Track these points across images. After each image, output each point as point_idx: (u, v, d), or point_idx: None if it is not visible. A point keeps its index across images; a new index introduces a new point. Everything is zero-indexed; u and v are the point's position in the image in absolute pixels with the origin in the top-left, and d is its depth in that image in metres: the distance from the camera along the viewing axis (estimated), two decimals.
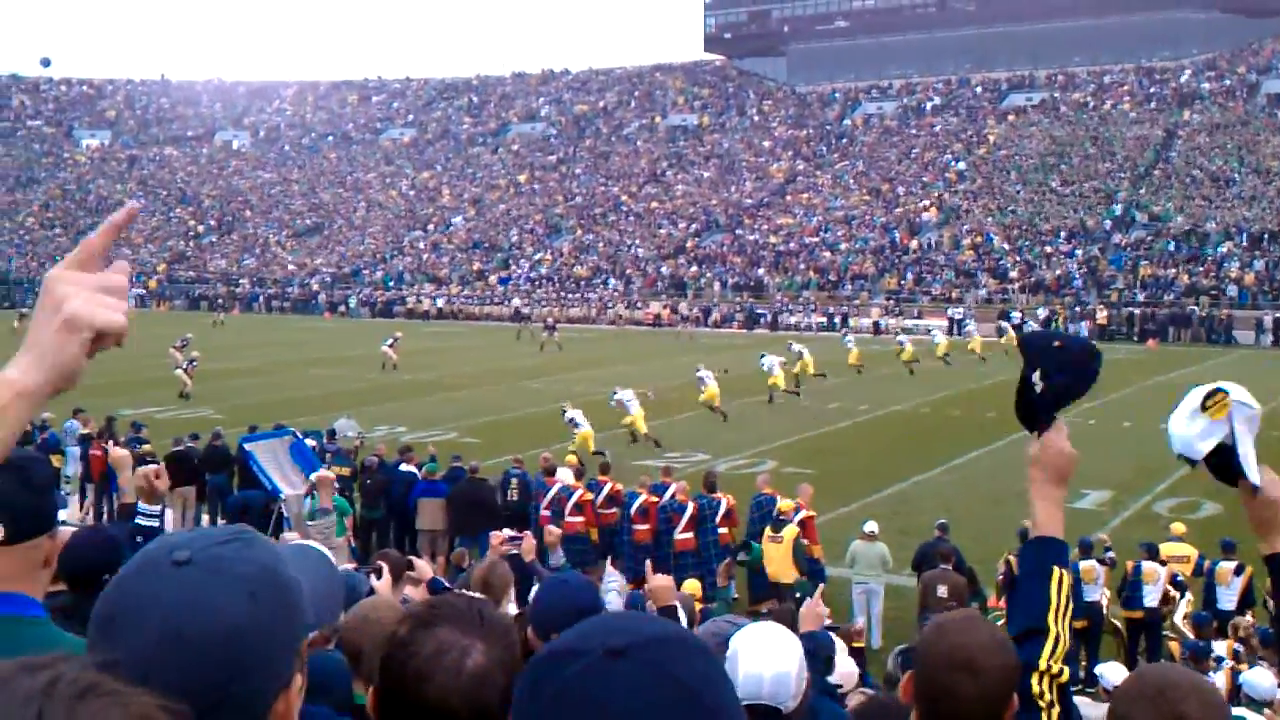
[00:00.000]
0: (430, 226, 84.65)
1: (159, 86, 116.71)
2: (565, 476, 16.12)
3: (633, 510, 15.19)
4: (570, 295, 68.02)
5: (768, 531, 13.88)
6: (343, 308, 71.56)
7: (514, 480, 16.54)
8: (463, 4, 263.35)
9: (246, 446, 17.59)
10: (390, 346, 38.94)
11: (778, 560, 13.55)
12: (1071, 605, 2.61)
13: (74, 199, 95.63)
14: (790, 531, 13.62)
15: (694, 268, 68.86)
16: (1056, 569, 2.63)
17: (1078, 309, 53.76)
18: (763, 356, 32.68)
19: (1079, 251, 59.91)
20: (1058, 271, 58.29)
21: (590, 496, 15.62)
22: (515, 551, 8.06)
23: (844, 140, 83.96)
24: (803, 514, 13.99)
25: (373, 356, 40.04)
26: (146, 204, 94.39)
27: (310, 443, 17.56)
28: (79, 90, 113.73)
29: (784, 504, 14.11)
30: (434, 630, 1.84)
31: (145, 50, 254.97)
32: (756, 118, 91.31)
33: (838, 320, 55.75)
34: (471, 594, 4.35)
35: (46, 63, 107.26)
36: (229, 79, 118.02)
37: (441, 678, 1.77)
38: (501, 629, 1.99)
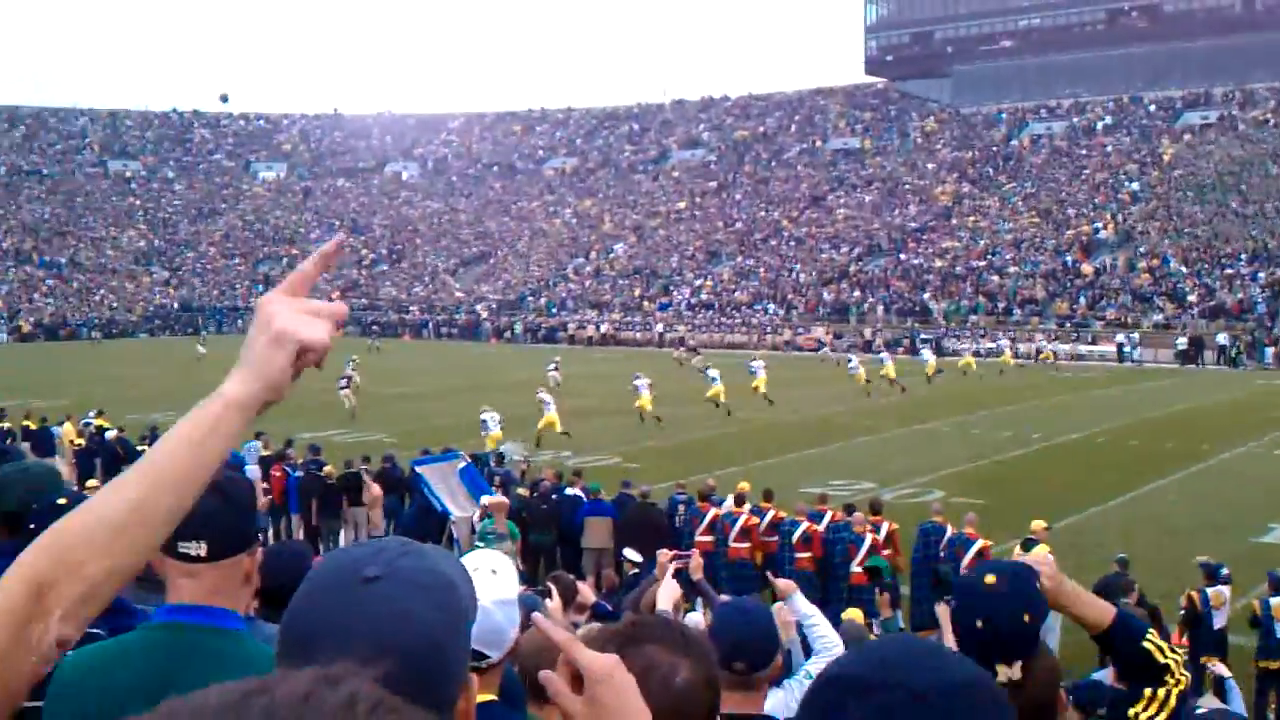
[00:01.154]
0: (592, 254, 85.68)
1: (332, 120, 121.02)
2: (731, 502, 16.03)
3: (795, 538, 14.97)
4: (730, 321, 67.96)
5: (1017, 552, 13.64)
6: (507, 334, 72.90)
7: (681, 505, 16.52)
8: (623, 34, 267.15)
9: (418, 469, 17.96)
10: (554, 370, 39.48)
11: None
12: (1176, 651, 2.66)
13: (252, 229, 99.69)
14: (1040, 549, 13.34)
15: (856, 292, 68.12)
16: (1146, 639, 2.64)
17: (1260, 335, 51.40)
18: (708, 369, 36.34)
19: (1262, 274, 57.31)
20: (1239, 296, 55.83)
21: (755, 521, 15.49)
22: (682, 569, 8.01)
23: (1011, 161, 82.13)
24: (979, 544, 13.60)
25: (536, 381, 40.54)
26: (321, 234, 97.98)
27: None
28: (257, 125, 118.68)
29: (1036, 524, 13.76)
30: (642, 648, 1.84)
31: (319, 86, 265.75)
32: (920, 140, 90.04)
33: (1005, 344, 54.43)
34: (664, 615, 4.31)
35: (225, 99, 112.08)
36: (398, 112, 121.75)
37: (650, 695, 1.75)
38: (703, 647, 2.02)
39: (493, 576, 3.43)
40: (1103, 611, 2.73)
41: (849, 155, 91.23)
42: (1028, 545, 13.47)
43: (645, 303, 74.44)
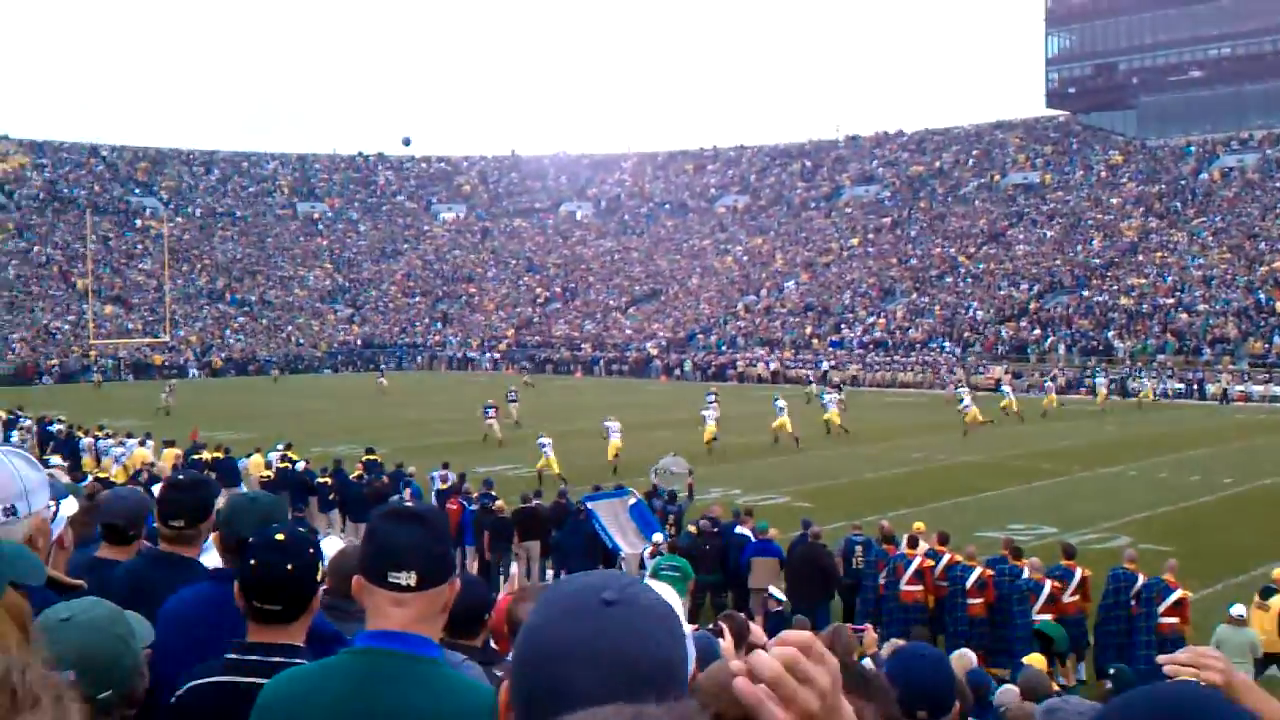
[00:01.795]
0: (763, 291, 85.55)
1: (510, 162, 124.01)
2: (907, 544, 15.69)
3: (968, 584, 14.56)
4: (904, 360, 66.87)
5: (1255, 599, 13.13)
6: (677, 371, 73.22)
7: (858, 547, 16.25)
8: (795, 71, 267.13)
9: (589, 505, 18.12)
10: (713, 404, 39.48)
11: (1267, 629, 12.80)
12: None
13: (432, 268, 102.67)
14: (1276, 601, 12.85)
15: (1036, 330, 66.31)
16: None
17: None
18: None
19: None
20: None
21: (930, 564, 15.15)
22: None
23: (1200, 195, 79.00)
24: (1178, 593, 12.99)
25: (697, 420, 40.46)
26: (497, 273, 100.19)
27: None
28: (438, 167, 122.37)
29: (1278, 572, 13.32)
30: None
31: (497, 128, 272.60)
32: (1104, 173, 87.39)
33: (1194, 386, 52.26)
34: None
35: (407, 142, 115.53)
36: (573, 153, 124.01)
37: None
38: (884, 690, 2.05)
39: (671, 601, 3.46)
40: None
41: (1028, 190, 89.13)
42: (1266, 593, 12.89)
43: (815, 340, 73.86)
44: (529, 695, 1.38)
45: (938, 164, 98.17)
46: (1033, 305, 70.17)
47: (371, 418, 44.25)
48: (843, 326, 75.39)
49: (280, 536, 3.18)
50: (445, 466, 22.39)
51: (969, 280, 77.01)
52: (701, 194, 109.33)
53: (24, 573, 2.51)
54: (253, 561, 3.12)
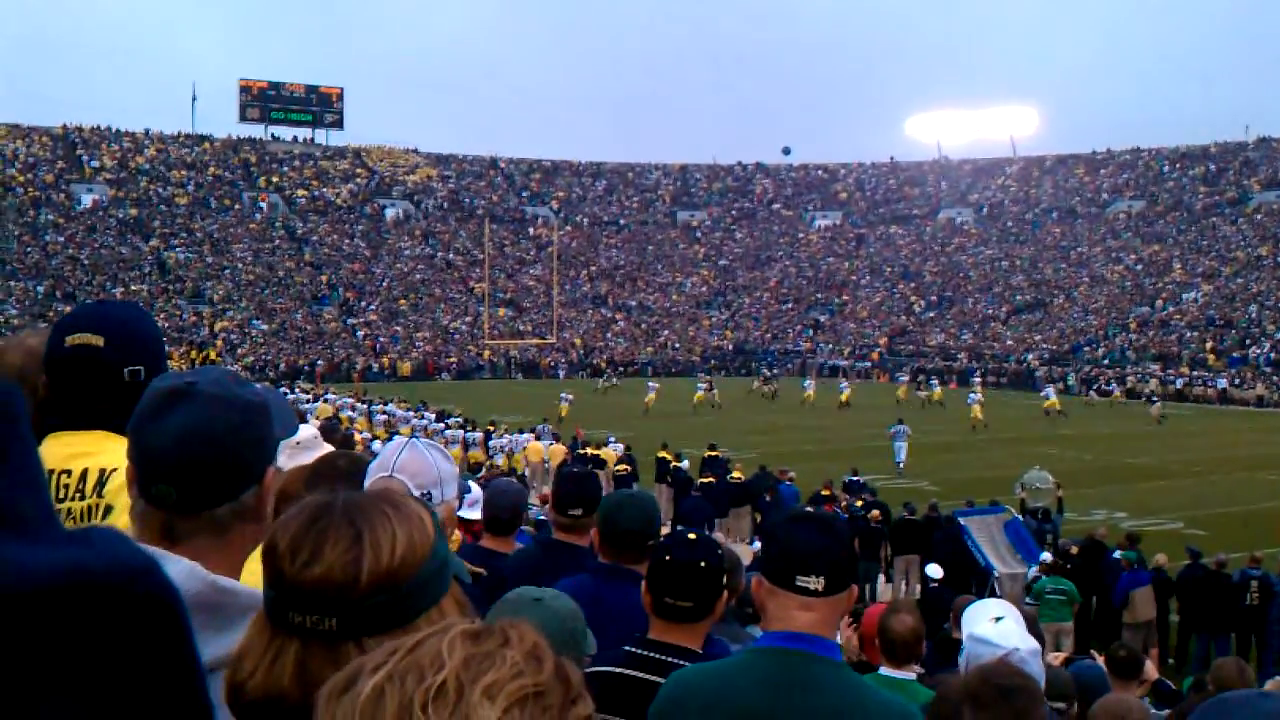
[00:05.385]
0: (1158, 302, 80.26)
1: (887, 168, 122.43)
2: None
3: None
4: None
5: None
6: (1060, 385, 69.73)
7: (1253, 581, 14.94)
8: (1198, 67, 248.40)
9: (961, 520, 17.61)
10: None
11: None
12: None
13: (805, 275, 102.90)
14: None
15: None
16: None
17: None
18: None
19: None
20: None
21: None
22: None
23: None
24: None
25: (1083, 436, 38.62)
26: (871, 280, 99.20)
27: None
28: (815, 175, 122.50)
29: None
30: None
31: (877, 136, 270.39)
32: None
33: None
34: None
35: (787, 151, 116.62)
36: (954, 158, 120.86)
37: None
38: None
39: (1017, 627, 3.38)
40: None
41: None
42: None
43: (1213, 357, 68.49)
44: None
45: None
46: None
47: (752, 421, 44.86)
48: (1247, 342, 69.55)
49: (693, 535, 3.31)
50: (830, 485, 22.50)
51: None
52: (1092, 199, 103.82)
53: (460, 569, 2.71)
54: (667, 557, 3.23)
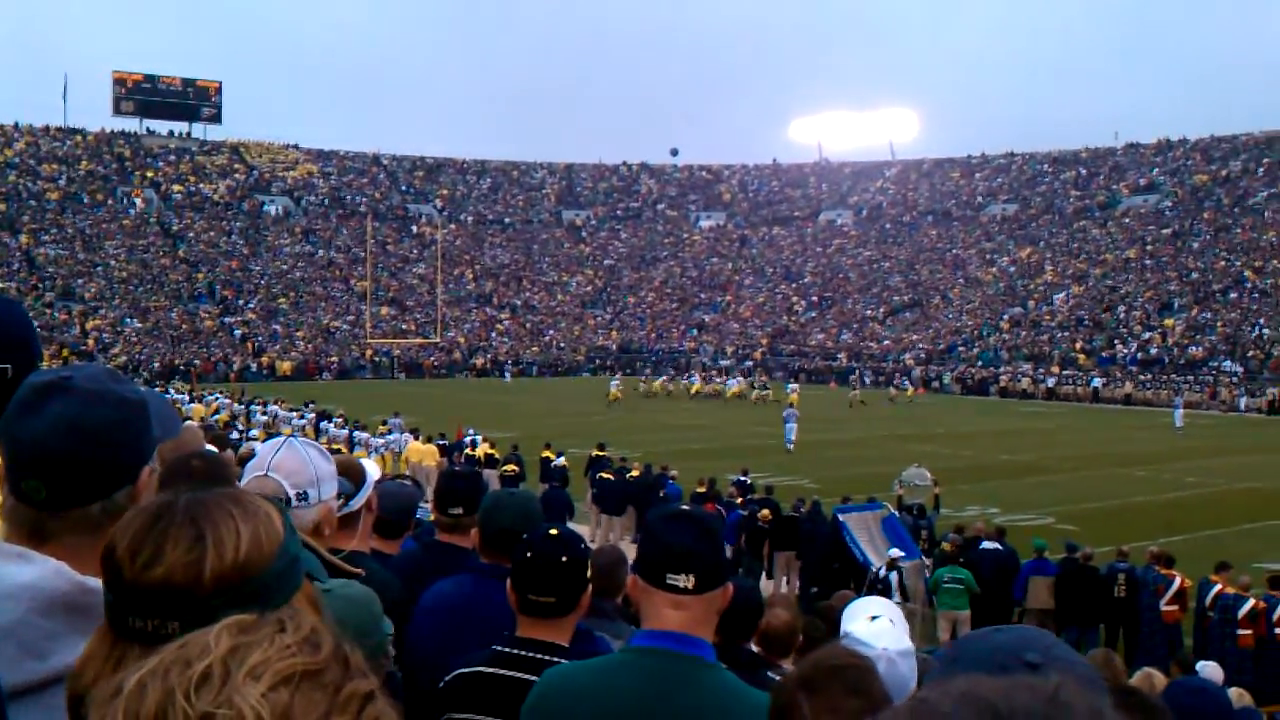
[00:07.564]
0: (1030, 303, 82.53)
1: (770, 169, 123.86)
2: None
3: (1240, 614, 13.82)
4: (1181, 379, 63.13)
5: None
6: (935, 384, 71.34)
7: (1121, 575, 15.47)
8: (1071, 76, 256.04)
9: (840, 517, 17.87)
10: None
11: None
12: None
13: (690, 276, 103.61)
14: None
15: None
16: None
17: None
18: None
19: None
20: None
21: (1189, 584, 14.77)
22: None
23: None
24: None
25: (958, 435, 39.51)
26: (754, 281, 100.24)
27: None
28: (699, 176, 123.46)
29: None
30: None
31: (761, 138, 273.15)
32: None
33: None
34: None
35: (675, 152, 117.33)
36: (835, 161, 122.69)
37: None
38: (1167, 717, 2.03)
39: (891, 627, 3.39)
40: None
41: None
42: None
43: (1083, 356, 70.68)
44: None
45: (1225, 173, 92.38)
46: None
47: (619, 419, 44.97)
48: (1116, 342, 71.91)
49: (554, 531, 3.28)
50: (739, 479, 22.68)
51: (1256, 296, 72.18)
52: (968, 202, 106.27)
53: (315, 568, 2.65)
54: (529, 554, 3.20)
